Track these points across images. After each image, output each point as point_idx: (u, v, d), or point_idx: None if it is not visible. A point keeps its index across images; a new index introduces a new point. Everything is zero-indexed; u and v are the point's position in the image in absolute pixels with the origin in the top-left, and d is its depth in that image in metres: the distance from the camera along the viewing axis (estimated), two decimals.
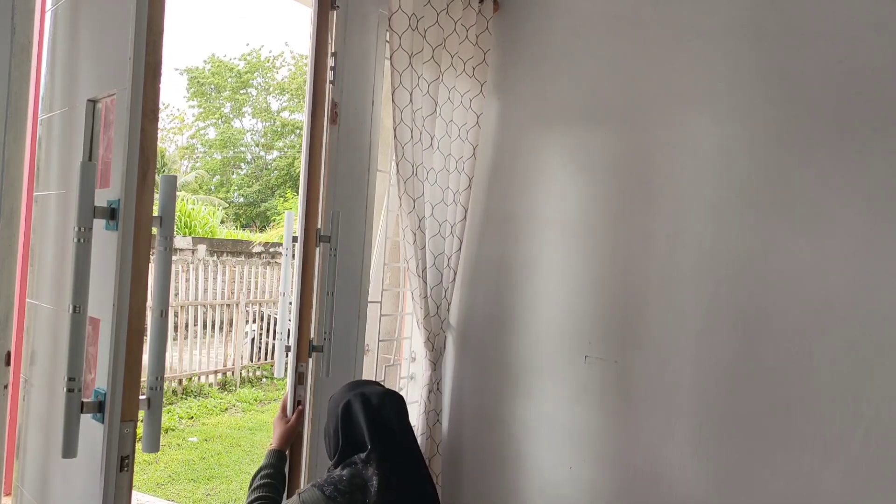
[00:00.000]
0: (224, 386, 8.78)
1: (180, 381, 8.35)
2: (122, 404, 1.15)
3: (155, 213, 1.21)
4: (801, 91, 2.32)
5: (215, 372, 8.78)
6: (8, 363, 1.24)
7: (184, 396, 8.21)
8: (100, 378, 1.19)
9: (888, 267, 2.19)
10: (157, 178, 1.20)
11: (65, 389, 1.12)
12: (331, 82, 2.26)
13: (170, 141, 26.10)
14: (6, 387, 1.24)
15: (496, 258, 2.74)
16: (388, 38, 2.36)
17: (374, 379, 2.52)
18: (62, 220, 1.45)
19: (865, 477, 2.19)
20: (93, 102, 1.33)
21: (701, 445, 2.42)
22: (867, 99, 2.24)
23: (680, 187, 2.47)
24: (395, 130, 2.37)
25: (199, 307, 8.74)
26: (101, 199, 1.22)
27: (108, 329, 1.18)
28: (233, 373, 8.95)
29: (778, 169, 2.34)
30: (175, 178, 1.20)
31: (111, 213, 1.19)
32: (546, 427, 2.65)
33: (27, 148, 1.32)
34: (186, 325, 8.53)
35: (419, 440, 2.61)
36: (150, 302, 1.22)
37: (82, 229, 1.13)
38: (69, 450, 1.13)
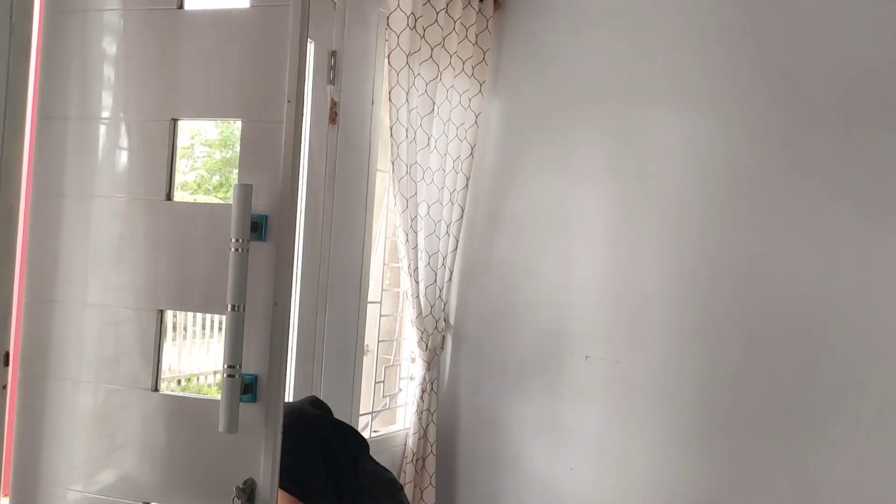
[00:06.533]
0: None
1: (179, 381, 8.35)
2: (277, 385, 1.43)
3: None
4: (803, 91, 2.32)
5: (215, 372, 8.78)
6: (7, 363, 1.24)
7: None
8: (246, 364, 1.42)
9: (889, 267, 2.19)
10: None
11: (225, 376, 1.36)
12: (330, 82, 2.26)
13: None
14: (5, 387, 1.25)
15: (496, 258, 2.74)
16: (386, 38, 2.36)
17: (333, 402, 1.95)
18: (116, 224, 1.57)
19: (867, 477, 2.19)
20: (174, 121, 1.52)
21: (701, 445, 2.42)
22: (869, 99, 2.24)
23: (680, 187, 2.47)
24: (391, 129, 2.37)
25: None
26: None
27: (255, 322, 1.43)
28: None
29: (779, 168, 2.34)
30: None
31: (253, 226, 1.40)
32: (546, 427, 2.64)
33: (26, 147, 1.33)
34: (185, 326, 8.53)
35: (412, 440, 2.62)
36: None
37: (240, 240, 1.37)
38: (232, 426, 1.36)
